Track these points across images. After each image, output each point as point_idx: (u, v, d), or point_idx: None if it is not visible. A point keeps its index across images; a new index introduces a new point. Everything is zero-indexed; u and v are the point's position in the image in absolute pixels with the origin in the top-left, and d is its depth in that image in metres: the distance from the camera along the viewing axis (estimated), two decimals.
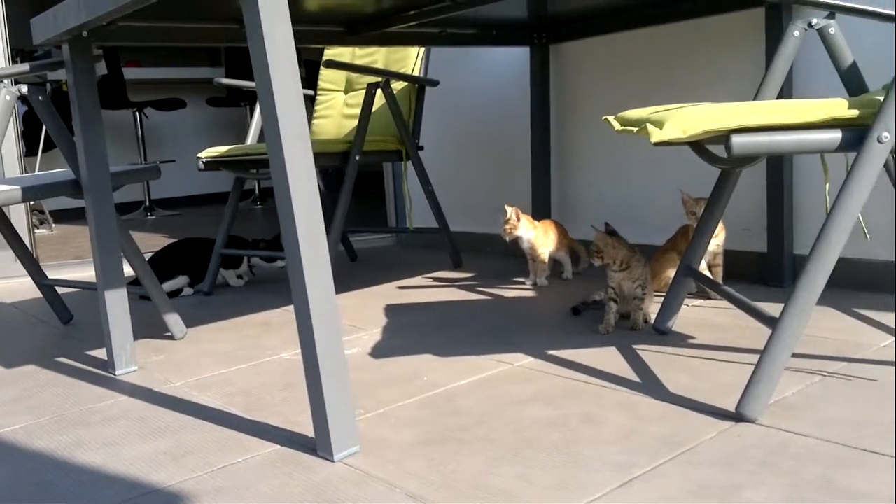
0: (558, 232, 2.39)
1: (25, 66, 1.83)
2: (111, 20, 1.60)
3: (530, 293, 2.27)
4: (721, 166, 1.48)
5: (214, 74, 5.64)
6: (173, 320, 1.98)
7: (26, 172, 3.37)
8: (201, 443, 1.30)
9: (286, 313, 2.23)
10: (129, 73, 5.48)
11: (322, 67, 2.95)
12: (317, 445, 1.22)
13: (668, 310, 1.72)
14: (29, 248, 2.66)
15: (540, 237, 2.33)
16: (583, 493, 1.03)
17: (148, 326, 2.12)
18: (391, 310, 2.17)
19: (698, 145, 1.29)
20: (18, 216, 3.08)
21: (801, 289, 1.19)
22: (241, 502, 1.08)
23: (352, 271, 2.86)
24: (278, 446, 1.26)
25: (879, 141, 1.15)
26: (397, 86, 2.66)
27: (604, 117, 1.49)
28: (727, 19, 2.21)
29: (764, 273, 2.16)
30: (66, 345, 2.04)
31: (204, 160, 2.45)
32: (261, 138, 2.79)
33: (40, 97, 1.83)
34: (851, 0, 1.38)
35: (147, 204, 5.59)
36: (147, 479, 1.17)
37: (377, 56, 2.87)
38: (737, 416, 1.23)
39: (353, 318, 2.09)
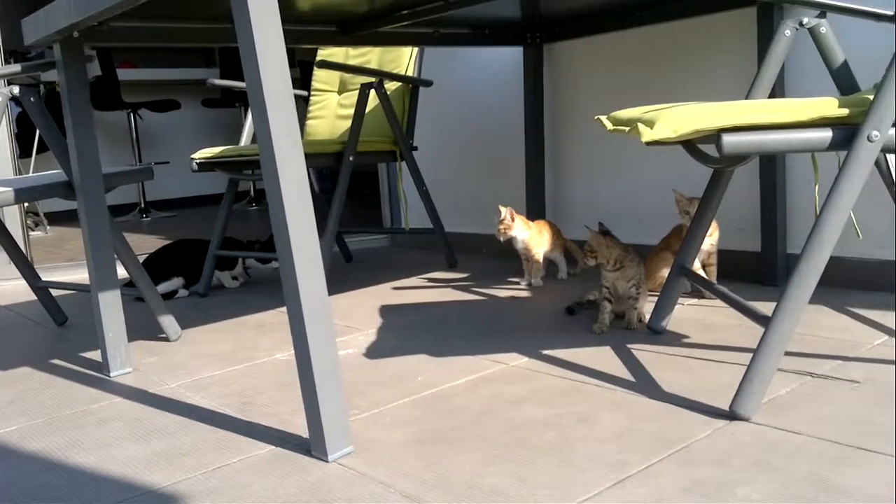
0: (552, 232, 2.39)
1: (17, 67, 1.83)
2: (102, 20, 1.60)
3: (525, 293, 2.28)
4: (713, 165, 1.48)
5: (209, 75, 5.63)
6: (168, 322, 1.97)
7: (20, 174, 3.37)
8: (196, 444, 1.30)
9: (281, 314, 2.23)
10: (124, 73, 5.47)
11: (315, 68, 2.95)
12: (311, 446, 1.22)
13: (663, 309, 1.72)
14: (23, 250, 2.65)
15: (534, 237, 2.33)
16: (577, 492, 1.03)
17: (142, 328, 2.11)
18: (386, 310, 2.17)
19: (690, 144, 1.30)
20: (12, 218, 3.08)
21: (793, 287, 1.19)
22: (235, 503, 1.08)
23: (347, 272, 2.86)
24: (273, 447, 1.26)
25: (869, 140, 1.16)
26: (391, 86, 2.66)
27: (596, 117, 1.50)
28: (719, 19, 2.22)
29: (758, 272, 2.17)
30: (60, 347, 2.04)
31: (198, 161, 2.45)
32: (255, 139, 2.78)
33: (32, 98, 1.83)
34: None
35: (142, 205, 5.58)
36: (142, 480, 1.17)
37: (370, 56, 2.87)
38: (730, 415, 1.23)
39: (348, 319, 2.09)
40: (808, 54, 1.66)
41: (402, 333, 1.91)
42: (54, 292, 2.39)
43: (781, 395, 1.31)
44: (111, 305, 1.75)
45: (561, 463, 1.12)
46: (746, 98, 1.62)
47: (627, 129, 1.30)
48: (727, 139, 1.16)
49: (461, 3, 1.92)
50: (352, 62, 2.89)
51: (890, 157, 1.54)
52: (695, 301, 2.02)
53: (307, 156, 2.19)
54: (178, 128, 6.29)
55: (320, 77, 3.00)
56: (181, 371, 1.72)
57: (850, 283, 2.00)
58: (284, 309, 2.27)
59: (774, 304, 1.22)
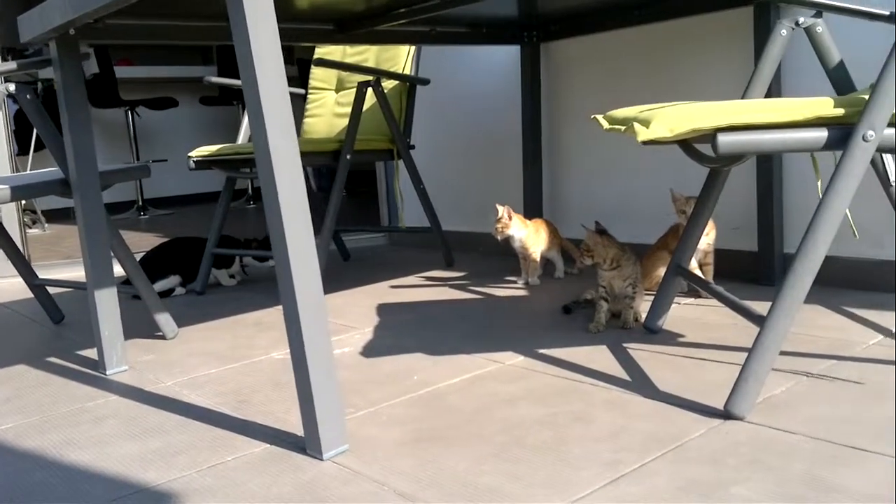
0: (549, 231, 2.39)
1: (13, 65, 1.82)
2: (98, 17, 1.60)
3: (522, 292, 2.28)
4: (709, 165, 1.48)
5: (207, 73, 5.61)
6: (164, 320, 1.97)
7: (18, 172, 3.36)
8: (191, 442, 1.30)
9: (278, 313, 2.23)
10: (121, 71, 5.46)
11: (313, 66, 2.95)
12: (306, 444, 1.22)
13: (659, 308, 1.72)
14: (20, 247, 2.65)
15: (531, 236, 2.33)
16: (572, 491, 1.03)
17: (139, 326, 2.11)
18: (383, 309, 2.17)
19: (686, 144, 1.30)
20: (10, 216, 3.07)
21: (788, 287, 1.20)
22: (230, 501, 1.08)
23: (344, 270, 2.86)
24: (268, 445, 1.26)
25: (865, 139, 1.16)
26: (388, 84, 2.66)
27: (592, 116, 1.50)
28: (716, 18, 2.22)
29: (754, 272, 2.17)
30: (56, 344, 2.04)
31: (195, 159, 2.45)
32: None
33: (28, 95, 1.83)
34: None
35: (140, 203, 5.57)
36: (137, 477, 1.17)
37: (368, 55, 2.87)
38: (725, 414, 1.24)
39: (344, 317, 2.08)
40: (805, 54, 1.66)
41: (398, 332, 1.91)
42: (51, 290, 2.39)
43: (776, 394, 1.31)
44: (107, 303, 1.75)
45: (556, 462, 1.12)
46: (743, 97, 1.62)
47: (623, 128, 1.30)
48: (723, 139, 1.16)
49: (458, 2, 1.92)
50: (349, 60, 2.89)
51: (886, 156, 1.54)
52: (691, 300, 2.02)
53: (304, 154, 2.19)
54: (176, 125, 6.28)
55: (318, 75, 2.99)
56: (177, 369, 1.72)
57: (845, 282, 2.01)
58: (282, 307, 2.27)
59: (770, 303, 1.22)
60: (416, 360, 1.66)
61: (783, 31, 1.59)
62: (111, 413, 1.47)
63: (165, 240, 2.68)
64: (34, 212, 4.88)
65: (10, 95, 1.91)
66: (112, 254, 1.80)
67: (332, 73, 2.96)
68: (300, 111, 2.87)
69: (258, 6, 1.10)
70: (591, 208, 2.64)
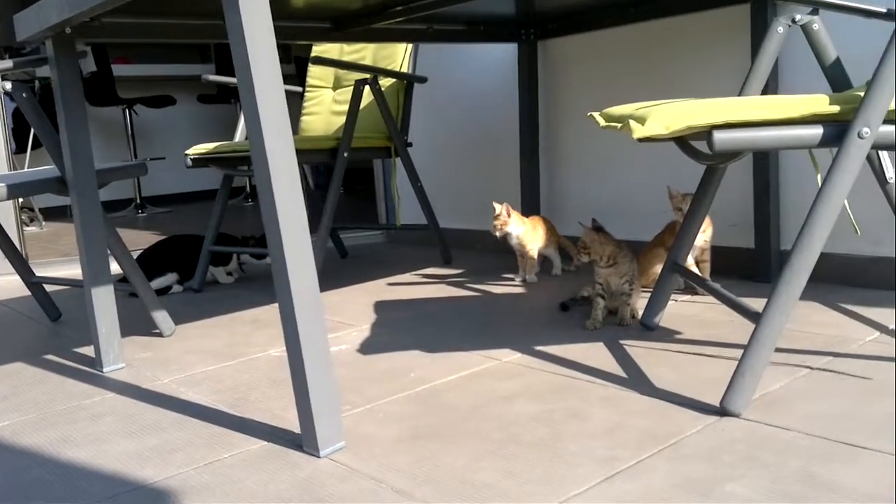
0: (547, 228, 2.40)
1: (9, 63, 1.82)
2: (94, 16, 1.60)
3: (519, 289, 2.28)
4: (705, 162, 1.48)
5: (204, 71, 5.59)
6: (161, 317, 1.97)
7: (15, 169, 3.36)
8: (188, 439, 1.30)
9: (275, 310, 2.22)
10: (119, 69, 5.45)
11: (310, 64, 2.95)
12: (303, 441, 1.22)
13: (656, 305, 1.73)
14: (17, 245, 2.65)
15: (529, 233, 2.33)
16: (568, 488, 1.03)
17: (136, 323, 2.11)
18: (380, 306, 2.17)
19: (681, 141, 1.30)
20: (7, 213, 3.07)
21: (783, 283, 1.20)
22: (227, 498, 1.08)
23: (342, 268, 2.86)
24: (265, 442, 1.26)
25: (860, 136, 1.16)
26: (385, 82, 2.66)
27: (588, 114, 1.50)
28: (713, 15, 2.22)
29: (751, 269, 2.17)
30: (53, 342, 2.04)
31: (192, 157, 2.44)
32: None
33: (24, 94, 1.82)
34: None
35: (138, 201, 5.57)
36: (133, 475, 1.17)
37: (365, 52, 2.87)
38: (721, 411, 1.24)
39: (342, 315, 2.09)
40: (802, 51, 1.67)
41: (395, 329, 1.91)
42: (48, 287, 2.39)
43: (772, 391, 1.32)
44: (104, 301, 1.74)
45: (552, 458, 1.12)
46: (739, 94, 1.62)
47: (619, 125, 1.30)
48: (719, 136, 1.16)
49: (455, 0, 1.92)
50: (346, 58, 2.89)
51: (882, 153, 1.54)
52: (688, 297, 2.02)
53: (301, 152, 2.18)
54: (174, 123, 6.27)
55: (315, 73, 2.99)
56: (174, 366, 1.72)
57: (841, 279, 2.01)
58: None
59: (766, 300, 1.22)
60: (413, 357, 1.67)
61: (780, 28, 1.59)
62: (108, 410, 1.47)
63: (163, 237, 2.68)
64: (32, 209, 4.88)
65: (6, 93, 1.91)
66: (109, 251, 1.80)
67: (330, 71, 2.96)
68: (298, 109, 2.86)
69: (254, 5, 1.10)
70: (588, 205, 2.64)
